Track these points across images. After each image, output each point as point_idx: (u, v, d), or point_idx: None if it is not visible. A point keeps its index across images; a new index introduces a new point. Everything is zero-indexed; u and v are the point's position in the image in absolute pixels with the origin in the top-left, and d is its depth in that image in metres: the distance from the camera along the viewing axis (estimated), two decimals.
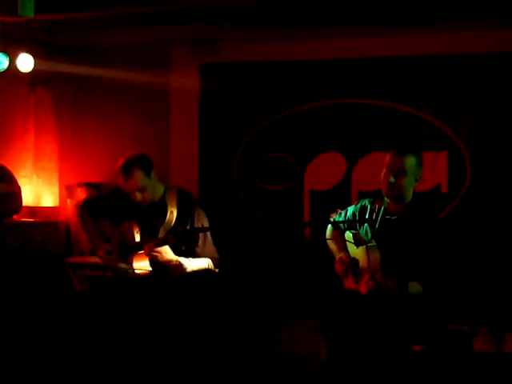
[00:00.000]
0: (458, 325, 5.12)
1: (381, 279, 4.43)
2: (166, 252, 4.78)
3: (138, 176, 4.84)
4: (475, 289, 5.63)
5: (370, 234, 4.66)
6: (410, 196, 4.64)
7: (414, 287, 4.43)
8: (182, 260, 4.84)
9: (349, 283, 4.69)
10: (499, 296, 5.66)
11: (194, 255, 4.91)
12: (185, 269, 4.83)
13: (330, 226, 4.94)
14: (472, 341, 5.20)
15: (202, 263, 4.92)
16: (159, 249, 4.76)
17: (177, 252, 4.85)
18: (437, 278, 4.48)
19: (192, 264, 4.87)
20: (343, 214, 4.87)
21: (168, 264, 4.82)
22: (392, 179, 4.55)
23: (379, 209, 4.69)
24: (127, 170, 4.84)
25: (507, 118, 5.81)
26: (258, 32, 6.00)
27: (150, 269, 4.84)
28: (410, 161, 4.56)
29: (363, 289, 4.49)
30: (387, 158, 4.62)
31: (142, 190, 4.87)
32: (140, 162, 4.87)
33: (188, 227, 4.83)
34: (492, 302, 5.65)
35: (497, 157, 5.83)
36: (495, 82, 5.82)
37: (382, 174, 4.62)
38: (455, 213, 5.85)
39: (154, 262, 4.82)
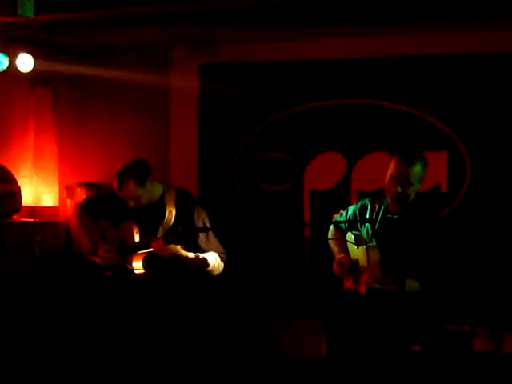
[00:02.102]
0: (458, 325, 5.12)
1: (380, 276, 4.44)
2: (177, 248, 4.79)
3: (131, 187, 4.85)
4: (475, 289, 5.63)
5: (370, 233, 4.66)
6: (412, 197, 4.66)
7: (412, 284, 4.43)
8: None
9: (349, 284, 4.69)
10: (499, 296, 5.66)
11: (201, 251, 4.92)
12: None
13: (332, 226, 4.95)
14: (472, 341, 5.19)
15: (211, 257, 4.93)
16: (171, 245, 4.76)
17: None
18: (436, 277, 4.48)
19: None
20: (344, 214, 4.88)
21: (181, 257, 4.82)
22: (399, 189, 4.56)
23: (379, 208, 4.69)
24: (121, 180, 4.86)
25: (507, 118, 5.81)
26: (257, 32, 6.00)
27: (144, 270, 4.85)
28: (417, 170, 4.57)
29: (362, 288, 4.49)
30: (392, 165, 4.60)
31: (135, 199, 4.89)
32: (134, 173, 4.85)
33: (187, 226, 4.84)
34: (492, 302, 5.65)
35: (497, 157, 5.83)
36: (495, 82, 5.82)
37: (387, 181, 4.61)
38: (455, 213, 5.84)
39: (148, 263, 4.83)
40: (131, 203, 4.91)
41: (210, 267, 4.90)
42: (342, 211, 4.92)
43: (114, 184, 4.90)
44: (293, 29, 5.90)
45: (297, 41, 6.11)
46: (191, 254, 4.87)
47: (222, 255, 4.99)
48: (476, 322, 5.38)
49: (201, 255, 4.89)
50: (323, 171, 6.18)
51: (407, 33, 5.84)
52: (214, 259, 4.93)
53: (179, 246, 4.78)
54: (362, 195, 5.77)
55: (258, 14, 5.57)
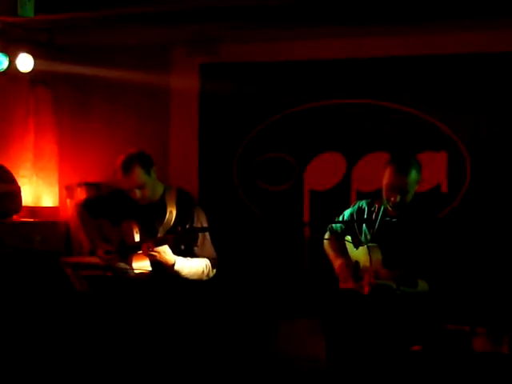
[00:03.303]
0: (457, 325, 5.12)
1: (383, 272, 4.43)
2: (165, 252, 4.78)
3: (138, 172, 4.85)
4: (475, 289, 5.63)
5: (369, 236, 4.65)
6: (409, 199, 4.65)
7: (421, 285, 4.43)
8: (180, 260, 4.83)
9: (345, 284, 4.68)
10: (499, 296, 5.66)
11: (193, 255, 4.91)
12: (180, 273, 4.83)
13: (327, 232, 4.94)
14: (472, 341, 5.19)
15: (201, 263, 4.91)
16: (158, 248, 4.76)
17: (176, 252, 4.84)
18: (437, 278, 4.48)
19: (190, 264, 4.86)
20: (340, 219, 4.87)
21: (166, 264, 4.81)
22: (398, 198, 4.56)
23: (379, 209, 4.68)
24: (127, 166, 4.85)
25: (507, 118, 5.81)
26: (257, 32, 6.00)
27: (150, 269, 4.83)
28: (413, 177, 4.57)
29: (366, 289, 4.47)
30: (387, 174, 4.59)
31: (141, 187, 4.87)
32: (140, 159, 4.87)
33: (187, 227, 4.83)
34: (492, 302, 5.65)
35: (497, 157, 5.83)
36: (495, 82, 5.81)
37: (385, 190, 4.61)
38: (455, 213, 5.85)
39: (154, 261, 4.82)
40: (136, 194, 4.88)
41: (190, 277, 4.86)
42: (336, 218, 4.91)
43: (120, 172, 4.87)
44: (293, 29, 5.90)
45: (297, 41, 6.11)
46: (181, 263, 4.83)
47: (213, 261, 4.97)
48: (476, 322, 5.37)
49: (185, 267, 4.86)
50: (323, 171, 6.18)
51: (407, 33, 5.84)
52: (204, 266, 4.91)
53: (169, 253, 4.76)
54: (361, 196, 5.77)
55: (258, 13, 5.57)
